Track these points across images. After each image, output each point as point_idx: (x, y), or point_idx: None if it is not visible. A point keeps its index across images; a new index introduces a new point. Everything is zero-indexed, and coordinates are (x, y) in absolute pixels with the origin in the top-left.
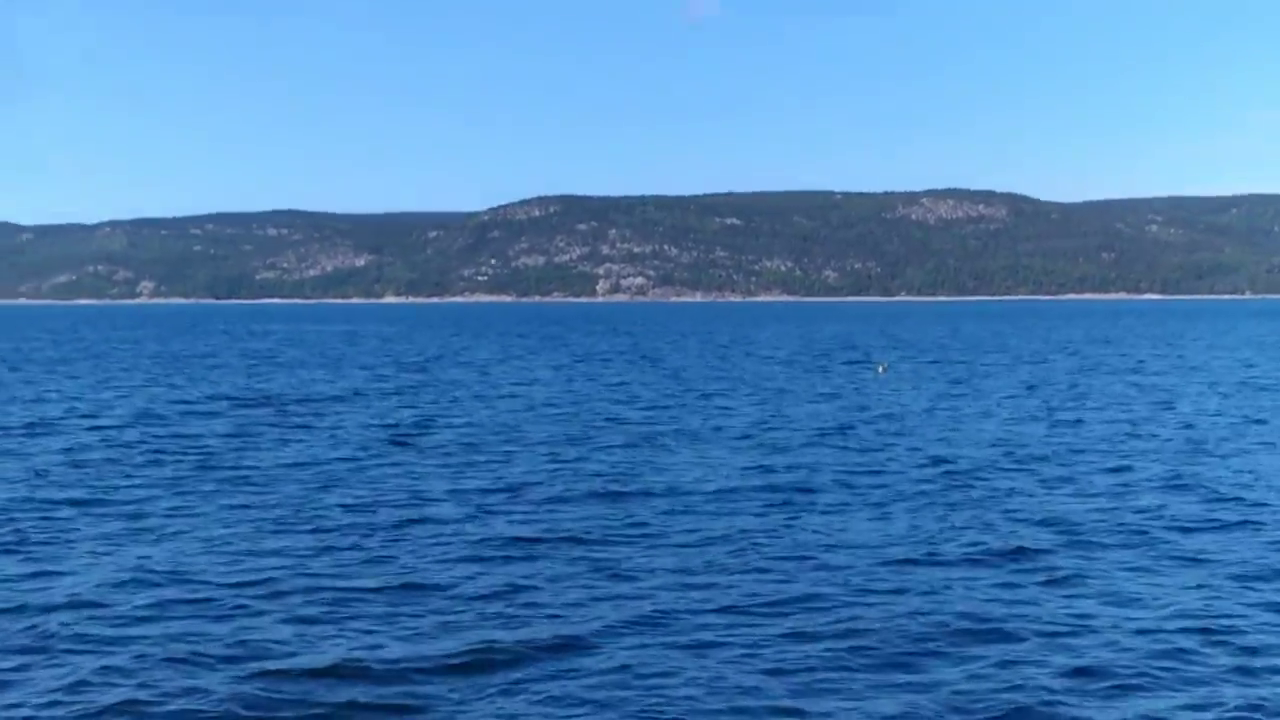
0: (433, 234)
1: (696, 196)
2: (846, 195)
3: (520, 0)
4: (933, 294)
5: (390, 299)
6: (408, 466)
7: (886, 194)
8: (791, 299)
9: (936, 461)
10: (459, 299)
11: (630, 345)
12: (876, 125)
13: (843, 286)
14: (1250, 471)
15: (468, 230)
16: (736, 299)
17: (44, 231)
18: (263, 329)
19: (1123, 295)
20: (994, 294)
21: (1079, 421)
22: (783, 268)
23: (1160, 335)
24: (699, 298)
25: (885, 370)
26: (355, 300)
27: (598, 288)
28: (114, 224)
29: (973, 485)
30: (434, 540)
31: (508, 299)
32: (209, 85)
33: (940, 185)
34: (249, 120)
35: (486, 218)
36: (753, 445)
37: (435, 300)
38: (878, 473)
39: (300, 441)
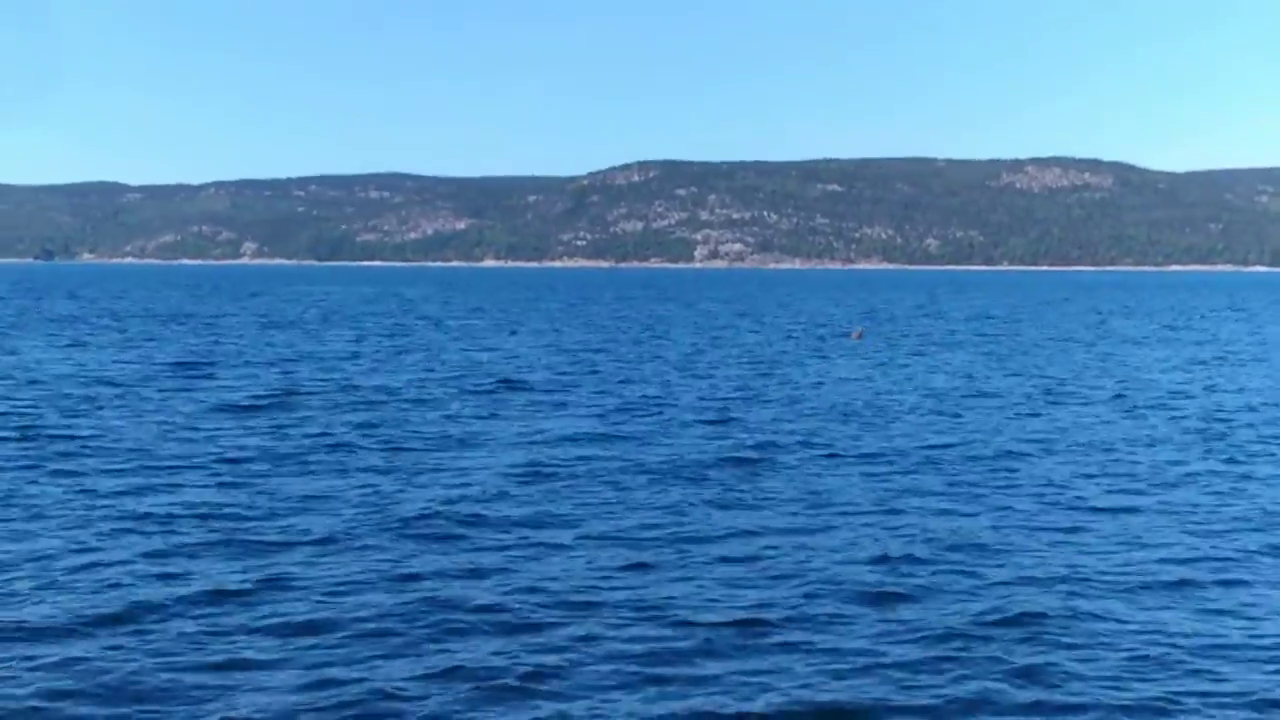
0: (532, 198)
1: (797, 162)
2: (949, 162)
3: None
4: (1035, 264)
5: (489, 263)
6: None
7: (990, 161)
8: (892, 267)
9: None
10: (557, 264)
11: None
12: (981, 92)
13: (944, 255)
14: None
15: (567, 195)
16: (836, 266)
17: (151, 191)
18: (304, 292)
19: (1229, 267)
20: (1098, 264)
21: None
22: (883, 235)
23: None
24: (798, 264)
25: (860, 336)
26: (455, 264)
27: (696, 254)
28: (219, 185)
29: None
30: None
31: (605, 264)
32: (314, 49)
33: (1045, 153)
34: (352, 84)
35: (586, 182)
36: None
37: (534, 265)
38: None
39: None
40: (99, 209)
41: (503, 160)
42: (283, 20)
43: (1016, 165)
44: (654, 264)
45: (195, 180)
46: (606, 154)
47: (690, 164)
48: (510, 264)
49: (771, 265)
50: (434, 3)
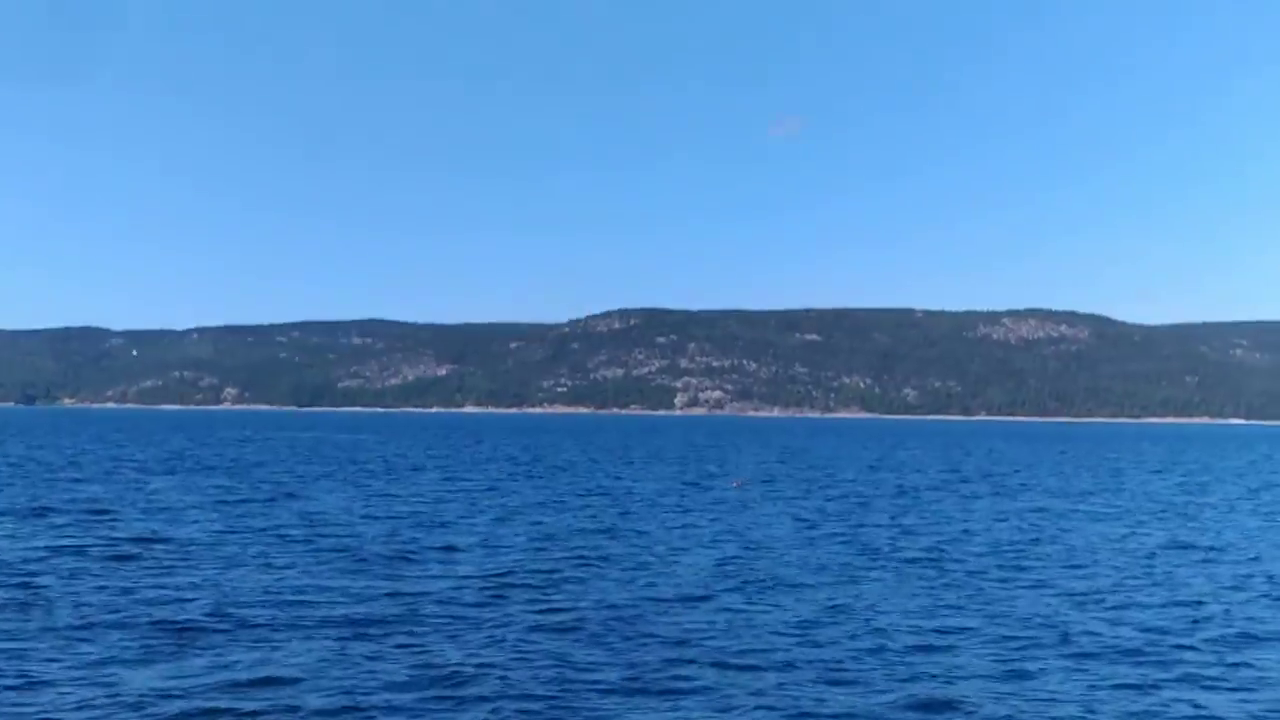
0: (513, 345)
1: (776, 311)
2: (927, 313)
3: (602, 114)
4: (1012, 414)
5: (470, 408)
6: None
7: (967, 313)
8: (870, 416)
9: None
10: (537, 410)
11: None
12: (958, 244)
13: (922, 405)
14: None
15: (548, 342)
16: (815, 415)
17: (134, 336)
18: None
19: (1206, 419)
20: (1075, 415)
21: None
22: (862, 384)
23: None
24: (777, 413)
25: (740, 485)
26: (435, 409)
27: (676, 401)
28: (202, 330)
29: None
30: None
31: (585, 410)
32: (299, 198)
33: (1022, 305)
34: (335, 231)
35: (567, 329)
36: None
37: (514, 411)
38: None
39: None
40: (81, 353)
41: (484, 307)
42: (269, 168)
43: (993, 316)
44: (634, 411)
45: (178, 325)
46: (587, 302)
47: (671, 312)
48: (491, 409)
49: (750, 413)
50: (416, 155)
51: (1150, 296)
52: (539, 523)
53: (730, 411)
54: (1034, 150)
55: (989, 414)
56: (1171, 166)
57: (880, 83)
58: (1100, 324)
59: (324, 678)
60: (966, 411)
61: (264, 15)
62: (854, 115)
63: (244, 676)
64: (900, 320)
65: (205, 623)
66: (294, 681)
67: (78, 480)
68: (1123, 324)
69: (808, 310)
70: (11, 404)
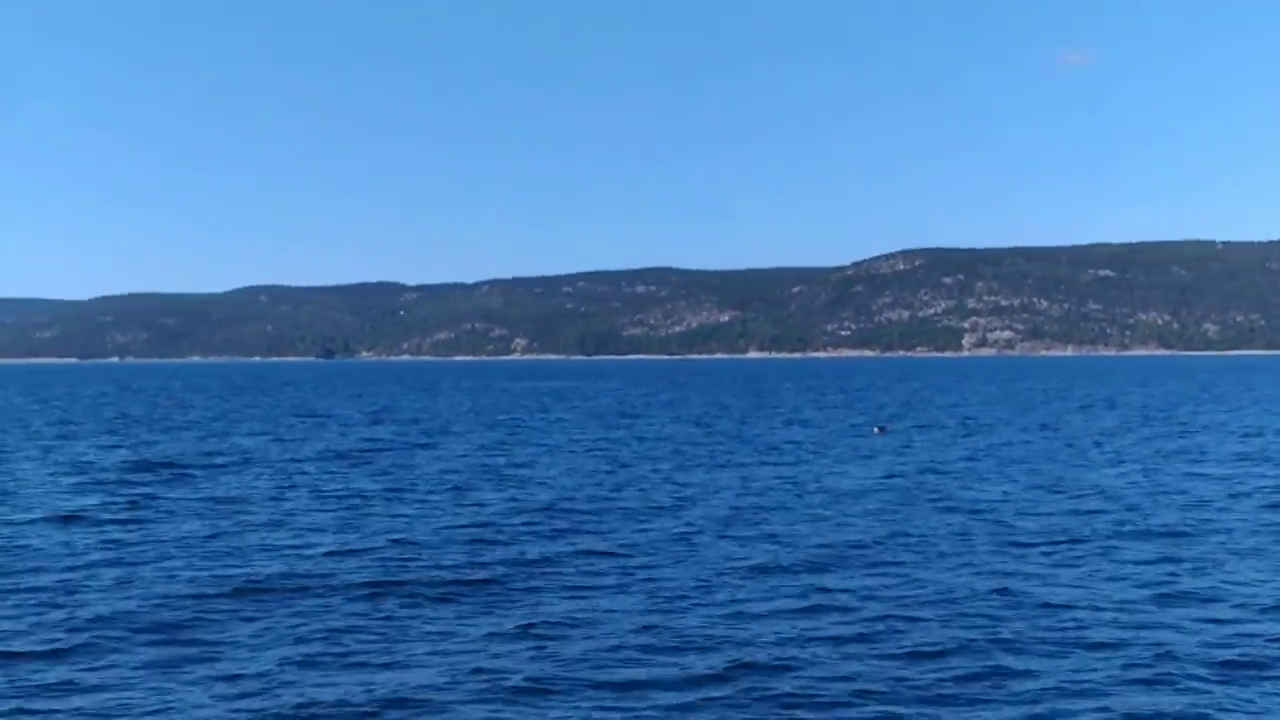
0: (796, 289)
1: (1066, 247)
2: (1228, 244)
3: (881, 54)
4: None
5: (753, 354)
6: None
7: (1272, 243)
8: (1168, 353)
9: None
10: (821, 354)
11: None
12: (1260, 167)
13: (1224, 340)
14: None
15: (831, 285)
16: (1109, 353)
17: (427, 291)
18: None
19: None
20: None
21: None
22: (1159, 320)
23: None
24: (1069, 352)
25: (880, 432)
26: (719, 355)
27: (963, 342)
28: (492, 283)
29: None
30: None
31: (870, 354)
32: (579, 147)
33: None
34: (621, 179)
35: (850, 272)
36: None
37: (797, 356)
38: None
39: None
40: (377, 308)
41: (767, 252)
42: (547, 118)
43: None
44: (920, 353)
45: (469, 279)
46: (871, 243)
47: (956, 251)
48: (774, 355)
49: (1042, 352)
50: (703, 101)
51: None
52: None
53: (1020, 351)
54: None
55: None
56: None
57: (1181, 8)
58: None
59: None
60: (1271, 346)
61: None
62: (1147, 44)
63: None
64: (1200, 252)
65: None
66: None
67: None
68: None
69: (1100, 245)
70: (311, 358)
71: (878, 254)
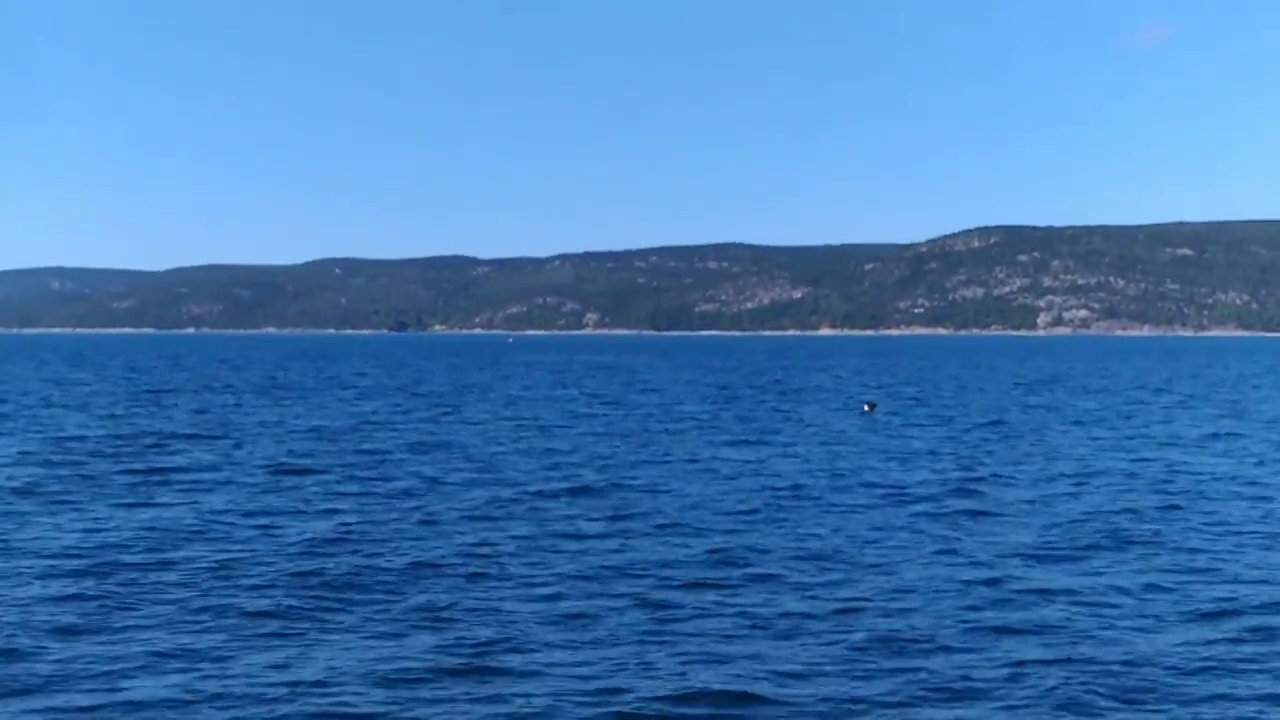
0: (869, 266)
1: (1144, 226)
2: None
3: (962, 30)
4: None
5: (825, 331)
6: None
7: None
8: (1248, 334)
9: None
10: (894, 332)
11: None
12: None
13: None
14: None
15: (905, 262)
16: (1187, 333)
17: (499, 265)
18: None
19: None
20: None
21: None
22: (1238, 301)
23: None
24: (1146, 331)
25: (871, 410)
26: (791, 332)
27: (1039, 320)
28: (564, 257)
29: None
30: None
31: (944, 332)
32: (656, 123)
33: None
34: (693, 155)
35: (925, 249)
36: None
37: (869, 333)
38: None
39: None
40: (450, 281)
41: (840, 228)
42: (627, 94)
43: None
44: (995, 331)
45: (541, 253)
46: (946, 220)
47: (1032, 229)
48: (846, 332)
49: (1118, 332)
50: (776, 78)
51: None
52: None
53: (1096, 331)
54: None
55: None
56: None
57: None
58: None
59: None
60: None
61: None
62: (1226, 17)
63: None
64: None
65: None
66: None
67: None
68: None
69: (1179, 224)
70: (385, 330)
71: (953, 231)
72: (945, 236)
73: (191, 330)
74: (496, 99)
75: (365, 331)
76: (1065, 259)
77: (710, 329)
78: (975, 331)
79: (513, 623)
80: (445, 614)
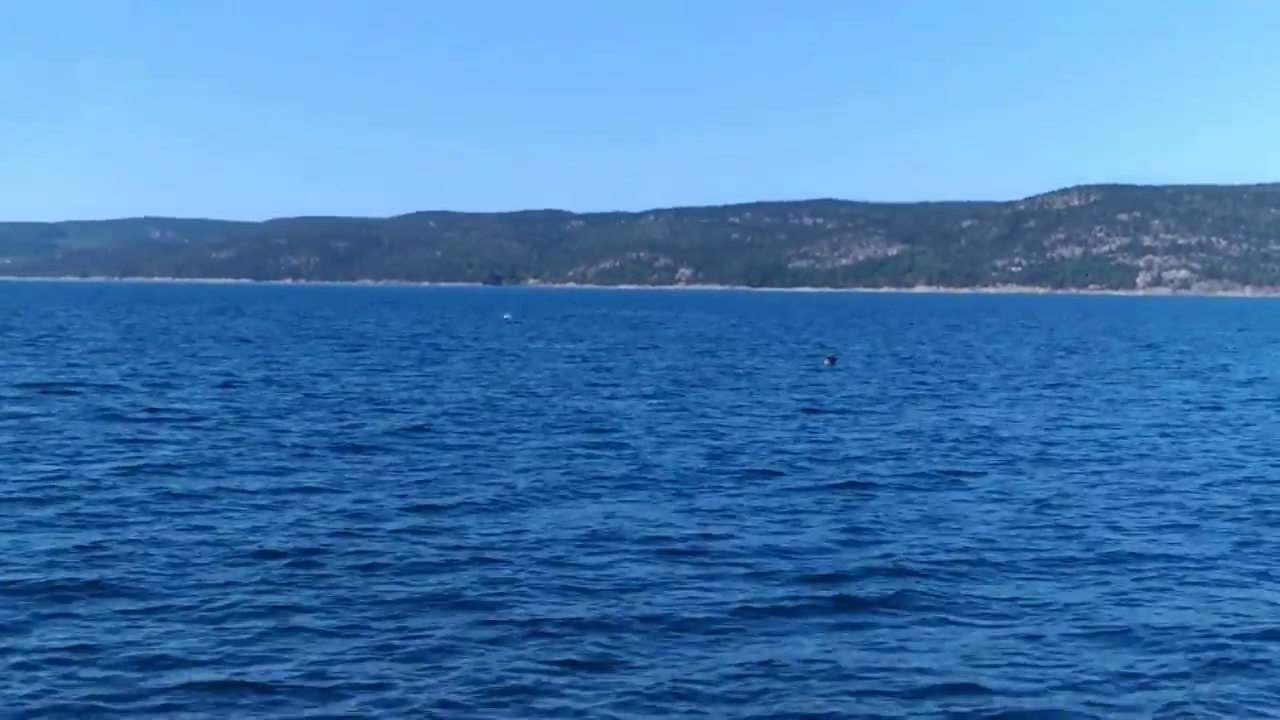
0: (966, 223)
1: (1249, 185)
2: None
3: None
4: None
5: (920, 289)
6: None
7: None
8: None
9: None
10: (990, 290)
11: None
12: None
13: None
14: None
15: (1002, 220)
16: None
17: (592, 219)
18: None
19: None
20: None
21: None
22: None
23: None
24: (1248, 293)
25: (831, 363)
26: (885, 289)
27: (1138, 281)
28: (657, 212)
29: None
30: None
31: (1041, 291)
32: (748, 79)
33: None
34: (789, 110)
35: (1023, 207)
36: None
37: (965, 291)
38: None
39: None
40: (544, 236)
41: (936, 185)
42: (714, 48)
43: None
44: (1093, 291)
45: (635, 208)
46: (1044, 178)
47: (1133, 187)
48: (941, 290)
49: (1219, 293)
50: (876, 33)
51: None
52: None
53: (1196, 292)
54: None
55: None
56: None
57: None
58: None
59: None
60: None
61: None
62: None
63: None
64: None
65: None
66: None
67: None
68: None
69: None
70: (479, 284)
71: (1052, 189)
72: (1044, 194)
73: (288, 281)
74: (590, 52)
75: (459, 284)
76: (1166, 218)
77: (803, 285)
78: (1073, 291)
79: None
80: None
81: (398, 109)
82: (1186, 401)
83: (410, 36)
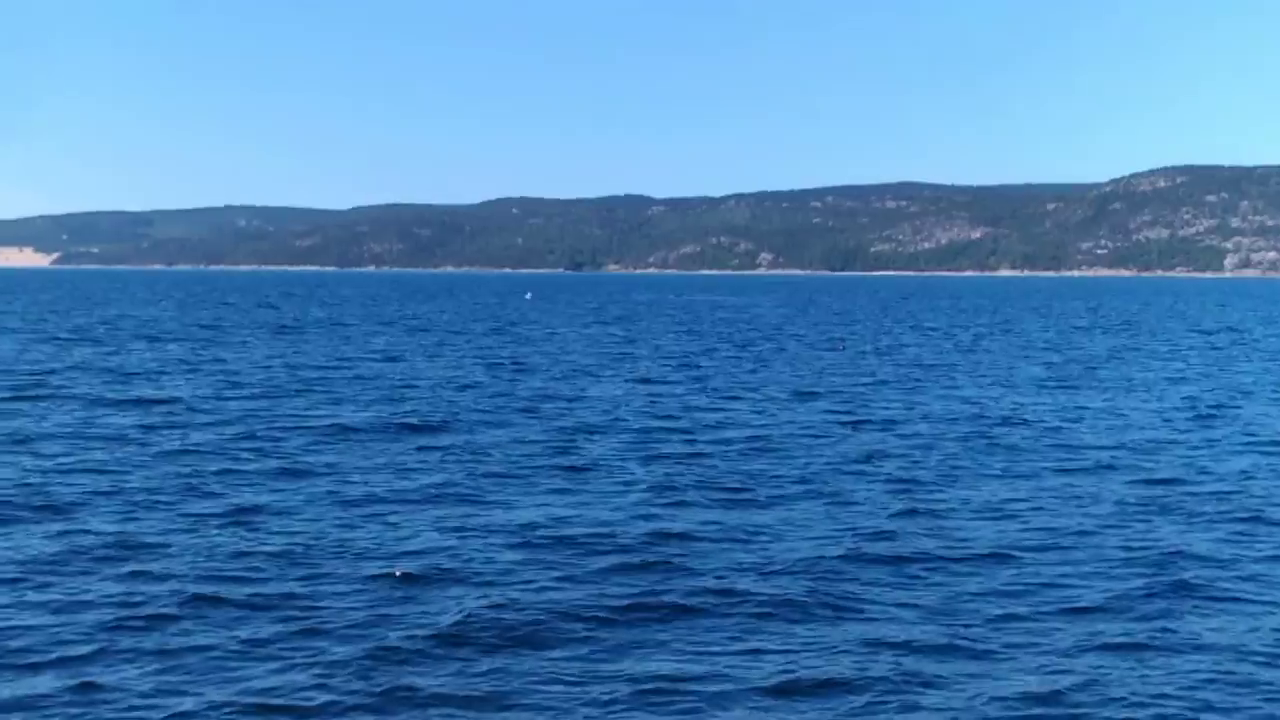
0: (1051, 206)
1: None
2: None
3: None
4: None
5: (1004, 272)
6: None
7: None
8: None
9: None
10: (1075, 273)
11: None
12: None
13: None
14: None
15: (1087, 202)
16: None
17: (673, 204)
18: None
19: None
20: None
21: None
22: None
23: None
24: None
25: (841, 347)
26: (968, 273)
27: (1225, 263)
28: (738, 197)
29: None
30: None
31: (1127, 273)
32: (826, 64)
33: None
34: (872, 93)
35: (1108, 189)
36: None
37: (1050, 274)
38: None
39: None
40: (625, 221)
41: (1020, 168)
42: (802, 34)
43: None
44: (1179, 273)
45: (715, 193)
46: (1130, 159)
47: (1221, 168)
48: (1026, 273)
49: None
50: (959, 16)
51: None
52: None
53: None
54: None
55: None
56: None
57: None
58: None
59: None
60: None
61: None
62: None
63: None
64: None
65: None
66: None
67: None
68: None
69: None
70: (561, 270)
71: (1137, 171)
72: (1130, 176)
73: (372, 268)
74: (669, 39)
75: (541, 271)
76: (1254, 199)
77: (885, 269)
78: (1159, 273)
79: None
80: None
81: (482, 100)
82: None
83: (496, 31)
